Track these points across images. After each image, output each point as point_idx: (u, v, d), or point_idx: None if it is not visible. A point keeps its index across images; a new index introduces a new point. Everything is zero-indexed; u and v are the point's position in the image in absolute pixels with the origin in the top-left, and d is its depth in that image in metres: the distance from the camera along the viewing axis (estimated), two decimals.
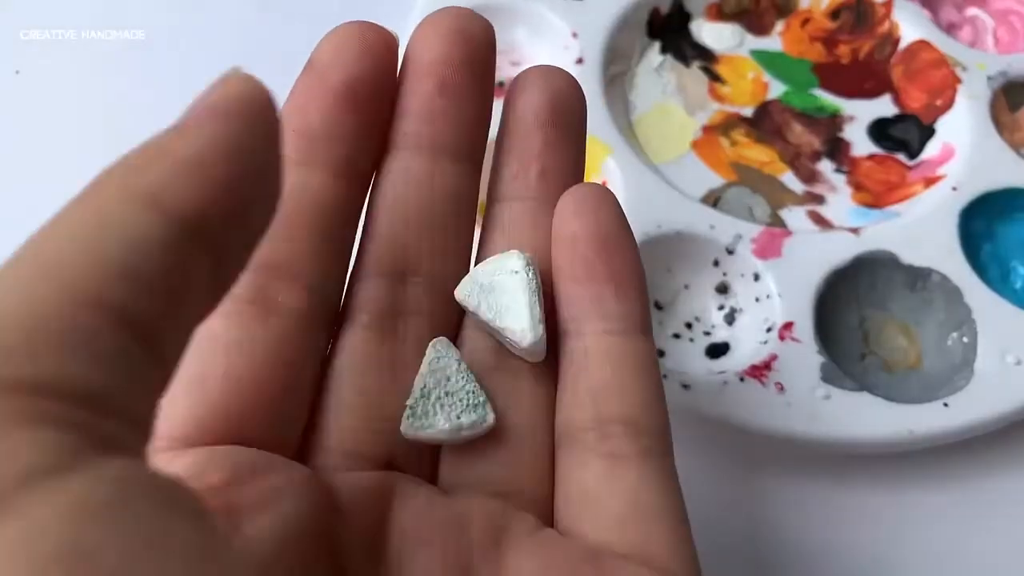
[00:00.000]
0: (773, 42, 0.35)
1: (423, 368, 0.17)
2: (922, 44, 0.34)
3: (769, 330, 0.26)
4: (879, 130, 0.32)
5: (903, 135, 0.32)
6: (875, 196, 0.31)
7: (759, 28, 0.35)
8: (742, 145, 0.32)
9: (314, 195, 0.17)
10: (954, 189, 0.29)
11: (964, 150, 0.31)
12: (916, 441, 0.25)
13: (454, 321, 0.18)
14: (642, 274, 0.18)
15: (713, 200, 0.30)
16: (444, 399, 0.17)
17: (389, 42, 0.18)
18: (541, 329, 0.17)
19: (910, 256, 0.28)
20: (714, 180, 0.31)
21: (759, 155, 0.32)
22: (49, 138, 0.31)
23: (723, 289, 0.28)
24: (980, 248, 0.29)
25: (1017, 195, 0.29)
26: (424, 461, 0.17)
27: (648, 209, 0.28)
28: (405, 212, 0.18)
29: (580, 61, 0.32)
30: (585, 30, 0.32)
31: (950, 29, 0.35)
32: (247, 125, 0.12)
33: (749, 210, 0.30)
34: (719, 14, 0.35)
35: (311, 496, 0.15)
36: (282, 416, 0.16)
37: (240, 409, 0.16)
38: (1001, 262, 0.29)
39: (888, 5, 0.35)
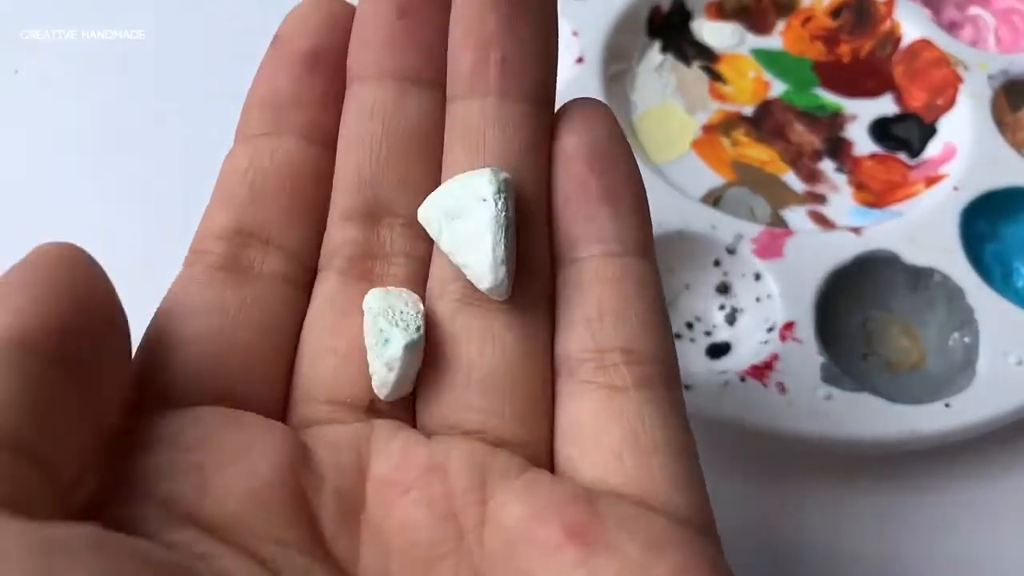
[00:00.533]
0: (774, 41, 0.35)
1: (369, 340, 0.16)
2: (923, 43, 0.34)
3: (770, 330, 0.26)
4: (880, 129, 0.32)
5: (904, 134, 0.32)
6: (876, 195, 0.31)
7: (760, 27, 0.35)
8: (743, 144, 0.32)
9: (284, 161, 0.17)
10: (956, 189, 0.29)
11: (966, 149, 0.31)
12: (918, 441, 0.24)
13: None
14: (642, 192, 0.17)
15: (714, 200, 0.30)
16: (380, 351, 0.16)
17: (353, 13, 0.18)
18: (503, 271, 0.16)
19: (912, 256, 0.28)
20: (715, 180, 0.30)
21: (760, 154, 0.31)
22: (49, 138, 0.31)
23: (724, 289, 0.28)
24: (982, 248, 0.29)
25: (1019, 195, 0.29)
26: (407, 402, 0.16)
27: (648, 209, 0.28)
28: (373, 147, 0.17)
29: (580, 60, 0.32)
30: (585, 29, 0.32)
31: (951, 28, 0.35)
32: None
33: (750, 210, 0.30)
34: (720, 13, 0.35)
35: (282, 453, 0.14)
36: (262, 376, 0.16)
37: (217, 371, 0.15)
38: (1003, 262, 0.29)
39: (889, 4, 0.35)
